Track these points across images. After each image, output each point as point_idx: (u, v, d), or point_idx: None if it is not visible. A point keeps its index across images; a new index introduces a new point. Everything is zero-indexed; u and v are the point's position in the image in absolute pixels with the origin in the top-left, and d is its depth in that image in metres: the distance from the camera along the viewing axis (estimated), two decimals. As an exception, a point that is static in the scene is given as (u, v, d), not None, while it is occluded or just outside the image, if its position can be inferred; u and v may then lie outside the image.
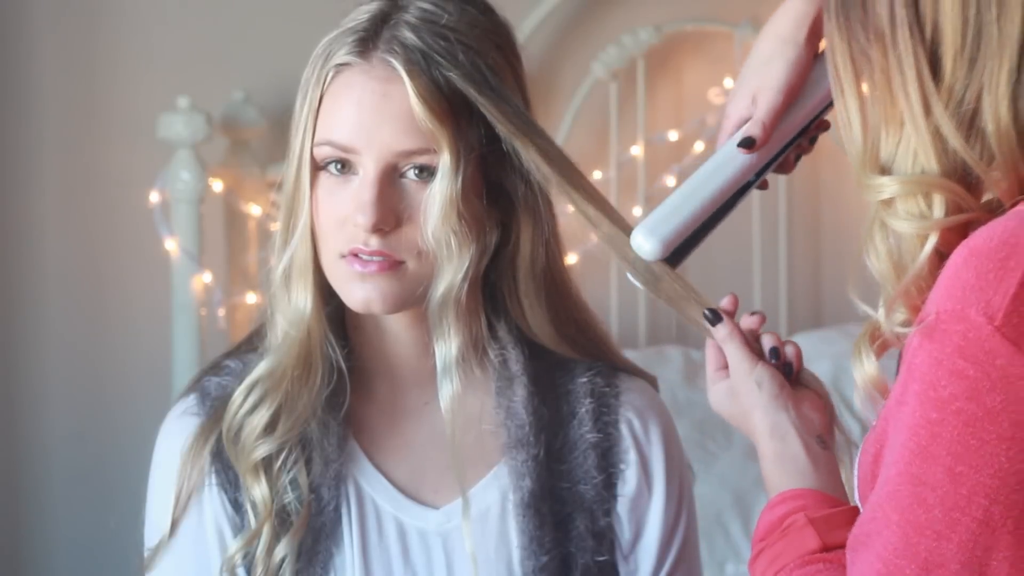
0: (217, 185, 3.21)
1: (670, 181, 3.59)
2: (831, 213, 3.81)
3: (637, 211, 3.56)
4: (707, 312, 1.51)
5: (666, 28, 3.57)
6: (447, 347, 1.58)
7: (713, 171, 1.51)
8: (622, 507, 1.66)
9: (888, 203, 1.25)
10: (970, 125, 1.23)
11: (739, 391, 1.47)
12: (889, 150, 1.25)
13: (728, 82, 3.64)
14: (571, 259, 2.95)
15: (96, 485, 3.29)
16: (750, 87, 1.50)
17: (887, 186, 1.25)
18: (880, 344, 1.28)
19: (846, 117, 1.27)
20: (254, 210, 3.27)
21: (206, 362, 3.08)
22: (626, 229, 1.55)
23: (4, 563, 3.26)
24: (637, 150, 3.57)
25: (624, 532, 1.66)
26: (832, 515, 1.37)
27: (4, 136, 3.23)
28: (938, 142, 1.23)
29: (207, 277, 3.19)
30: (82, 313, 3.29)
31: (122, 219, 3.29)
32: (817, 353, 3.56)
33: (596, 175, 3.44)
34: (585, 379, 1.67)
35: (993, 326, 1.14)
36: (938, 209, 1.24)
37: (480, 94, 1.55)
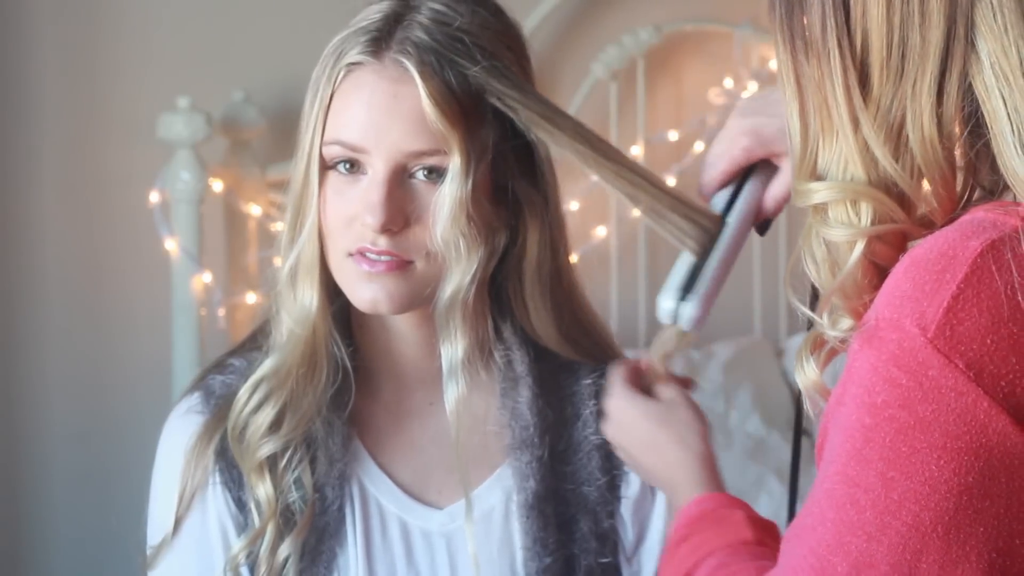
0: (217, 185, 3.21)
1: (670, 181, 3.58)
2: (831, 213, 3.81)
3: (636, 211, 3.56)
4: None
5: (666, 28, 3.57)
6: (453, 349, 1.58)
7: (736, 243, 1.57)
8: (625, 509, 1.66)
9: (820, 210, 1.26)
10: (897, 138, 1.23)
11: (685, 405, 1.59)
12: (825, 159, 1.26)
13: (728, 82, 3.64)
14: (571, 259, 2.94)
15: (96, 485, 3.29)
16: (758, 139, 1.53)
17: (816, 192, 1.25)
18: (828, 351, 1.29)
19: (789, 126, 1.28)
20: (254, 210, 3.27)
21: (206, 362, 3.09)
22: (670, 198, 1.56)
23: (4, 563, 3.26)
24: (637, 150, 3.57)
25: (627, 534, 1.66)
26: (767, 522, 1.42)
27: (4, 136, 3.22)
28: (867, 155, 1.24)
29: (207, 277, 3.19)
30: (82, 313, 3.29)
31: (122, 219, 3.29)
32: (817, 353, 3.56)
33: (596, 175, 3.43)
34: (589, 381, 1.67)
35: (926, 338, 1.15)
36: (865, 217, 1.24)
37: (503, 86, 1.55)
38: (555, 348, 1.66)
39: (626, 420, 1.58)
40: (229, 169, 3.25)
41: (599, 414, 1.65)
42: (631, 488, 1.66)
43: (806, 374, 1.30)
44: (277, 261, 3.28)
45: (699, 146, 3.62)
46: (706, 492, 1.48)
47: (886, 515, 1.16)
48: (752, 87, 3.65)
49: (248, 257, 3.29)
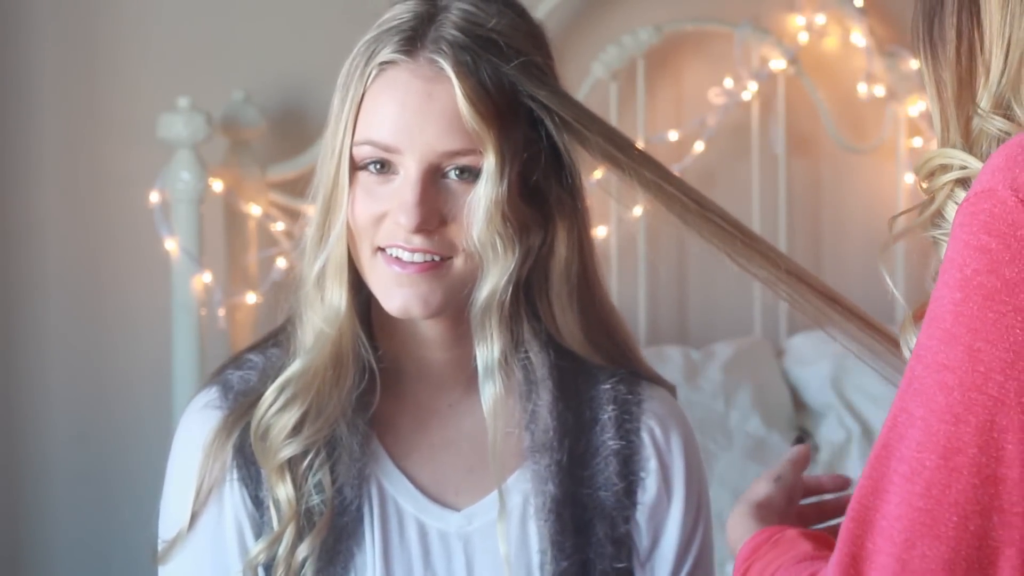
0: (217, 185, 3.21)
1: (670, 181, 3.58)
2: (831, 213, 3.81)
3: (637, 211, 3.56)
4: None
5: (666, 28, 3.57)
6: (489, 350, 1.57)
7: None
8: (641, 515, 1.65)
9: (929, 176, 1.30)
10: (1008, 120, 1.26)
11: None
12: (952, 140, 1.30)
13: (728, 82, 3.64)
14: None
15: (97, 485, 3.29)
16: None
17: (926, 160, 1.29)
18: None
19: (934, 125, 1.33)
20: (254, 210, 3.27)
21: (207, 362, 3.10)
22: (698, 203, 1.56)
23: (5, 564, 3.26)
24: (637, 150, 3.56)
25: (642, 539, 1.66)
26: (820, 534, 1.40)
27: (4, 136, 3.22)
28: (973, 141, 1.28)
29: (207, 277, 3.19)
30: (82, 313, 3.29)
31: (122, 219, 3.29)
32: (817, 353, 3.56)
33: (597, 175, 3.44)
34: (608, 386, 1.66)
35: (1018, 198, 1.16)
36: (957, 171, 1.28)
37: (538, 86, 1.55)
38: (579, 351, 1.65)
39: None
40: (229, 169, 3.25)
41: (617, 418, 1.65)
42: (647, 494, 1.66)
43: (911, 347, 1.29)
44: (278, 261, 3.29)
45: (699, 146, 3.62)
46: (758, 529, 1.45)
47: (972, 391, 1.15)
48: (752, 87, 3.66)
49: (248, 257, 3.29)
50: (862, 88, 3.75)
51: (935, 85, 1.31)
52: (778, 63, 3.67)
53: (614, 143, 1.57)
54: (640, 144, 3.52)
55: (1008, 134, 1.25)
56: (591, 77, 3.53)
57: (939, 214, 1.28)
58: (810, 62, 3.72)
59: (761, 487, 1.53)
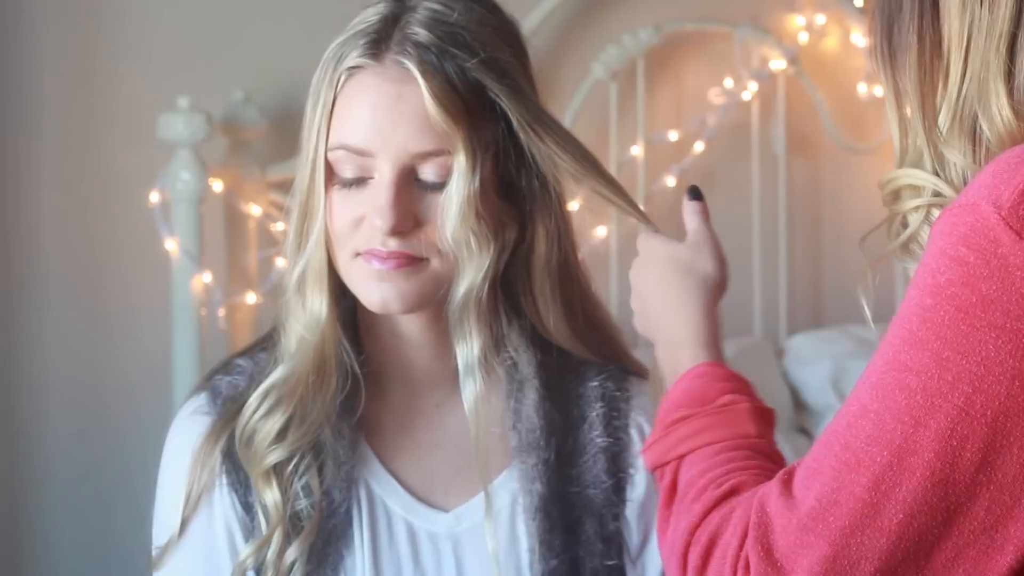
0: (217, 185, 3.21)
1: (670, 181, 3.59)
2: (831, 213, 3.81)
3: (637, 211, 3.56)
4: (691, 189, 1.56)
5: (666, 28, 3.57)
6: (469, 348, 1.58)
7: None
8: (631, 512, 1.66)
9: (895, 197, 1.30)
10: (972, 134, 1.26)
11: (710, 254, 1.51)
12: (911, 158, 1.30)
13: (728, 82, 3.64)
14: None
15: (96, 485, 3.29)
16: None
17: (891, 178, 1.29)
18: None
19: (893, 138, 1.33)
20: (254, 210, 3.27)
21: (206, 362, 3.09)
22: (640, 217, 1.58)
23: (4, 563, 3.26)
24: (637, 150, 3.57)
25: (632, 536, 1.66)
26: (768, 410, 1.40)
27: (4, 136, 3.22)
28: (941, 155, 1.27)
29: (207, 277, 3.18)
30: (82, 313, 3.29)
31: (122, 219, 3.28)
32: (817, 353, 3.56)
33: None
34: (596, 383, 1.67)
35: (999, 215, 1.16)
36: (927, 193, 1.28)
37: (498, 84, 1.55)
38: (566, 345, 1.65)
39: (647, 257, 1.53)
40: (229, 169, 3.25)
41: (605, 416, 1.65)
42: (636, 491, 1.66)
43: None
44: (278, 261, 3.29)
45: (699, 146, 3.62)
46: (708, 359, 1.44)
47: (936, 397, 1.16)
48: (752, 87, 3.65)
49: (248, 257, 3.29)
50: (862, 88, 3.76)
51: (894, 94, 1.31)
52: (778, 63, 3.67)
53: (566, 151, 1.58)
54: (640, 144, 3.55)
55: (965, 170, 1.25)
56: (591, 77, 3.53)
57: (914, 239, 1.29)
58: (810, 62, 3.72)
59: (705, 263, 1.50)
